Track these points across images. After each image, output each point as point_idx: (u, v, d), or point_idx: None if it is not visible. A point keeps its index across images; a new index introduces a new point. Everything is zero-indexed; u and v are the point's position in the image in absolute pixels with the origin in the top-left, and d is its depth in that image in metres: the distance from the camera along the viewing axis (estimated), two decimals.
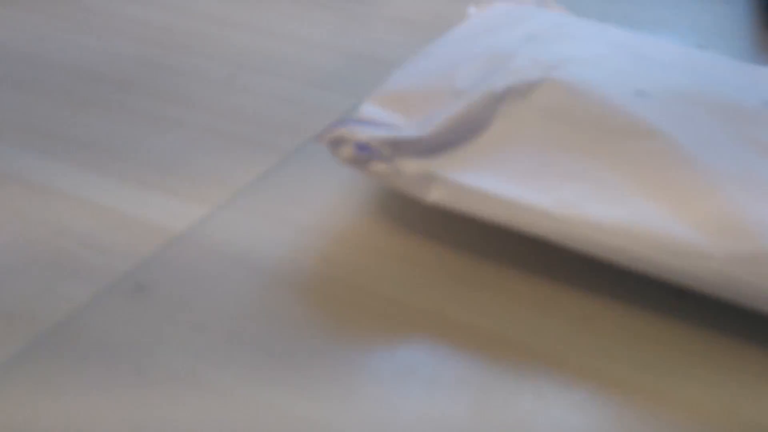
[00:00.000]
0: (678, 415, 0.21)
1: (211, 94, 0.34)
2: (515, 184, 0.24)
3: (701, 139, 0.24)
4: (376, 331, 0.23)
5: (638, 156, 0.24)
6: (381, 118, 0.27)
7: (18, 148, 0.31)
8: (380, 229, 0.27)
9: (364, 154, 0.25)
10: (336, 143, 0.25)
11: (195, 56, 0.37)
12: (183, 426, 0.20)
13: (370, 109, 0.27)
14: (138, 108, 0.33)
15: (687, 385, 0.22)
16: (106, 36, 0.39)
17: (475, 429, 0.20)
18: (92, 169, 0.30)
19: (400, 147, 0.25)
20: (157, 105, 0.34)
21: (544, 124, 0.25)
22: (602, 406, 0.21)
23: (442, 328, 0.23)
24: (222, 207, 0.28)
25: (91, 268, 0.25)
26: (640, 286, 0.25)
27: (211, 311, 0.24)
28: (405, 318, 0.24)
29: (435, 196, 0.25)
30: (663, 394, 0.22)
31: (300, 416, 0.20)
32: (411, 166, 0.25)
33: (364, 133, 0.25)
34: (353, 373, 0.22)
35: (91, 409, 0.20)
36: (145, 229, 0.27)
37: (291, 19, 0.41)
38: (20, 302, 0.24)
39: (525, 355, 0.23)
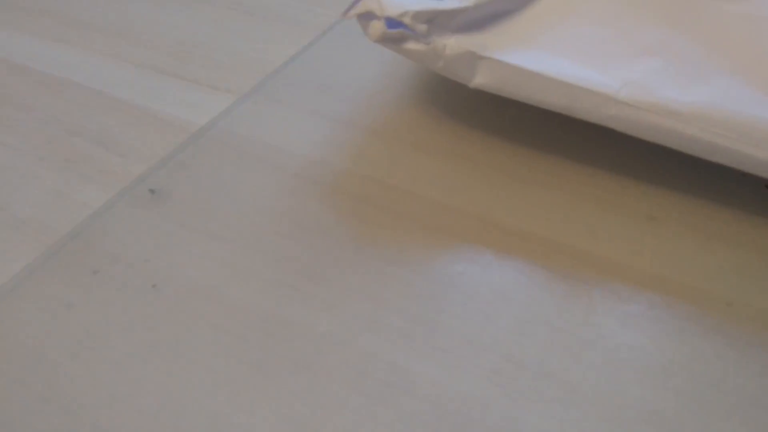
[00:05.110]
0: (756, 330, 0.18)
1: None
2: (575, 63, 0.20)
3: None
4: (414, 240, 0.21)
5: (725, 21, 0.20)
6: None
7: (33, 36, 0.28)
8: (422, 118, 0.24)
9: (397, 32, 0.21)
10: (365, 19, 0.22)
11: None
12: (200, 343, 0.18)
13: None
14: None
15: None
16: None
17: (516, 347, 0.18)
18: (109, 56, 0.27)
19: (438, 22, 0.21)
20: None
21: None
22: (666, 321, 0.18)
23: (488, 233, 0.20)
24: (246, 96, 0.25)
25: (106, 171, 0.23)
26: (719, 179, 0.21)
27: (232, 219, 0.21)
28: (447, 223, 0.21)
29: (480, 79, 0.21)
30: (739, 306, 0.18)
31: (323, 333, 0.19)
32: (451, 44, 0.21)
33: (395, 7, 0.21)
34: (386, 287, 0.19)
35: (104, 326, 0.19)
36: (163, 124, 0.24)
37: None
38: (31, 209, 0.22)
39: (579, 262, 0.20)
